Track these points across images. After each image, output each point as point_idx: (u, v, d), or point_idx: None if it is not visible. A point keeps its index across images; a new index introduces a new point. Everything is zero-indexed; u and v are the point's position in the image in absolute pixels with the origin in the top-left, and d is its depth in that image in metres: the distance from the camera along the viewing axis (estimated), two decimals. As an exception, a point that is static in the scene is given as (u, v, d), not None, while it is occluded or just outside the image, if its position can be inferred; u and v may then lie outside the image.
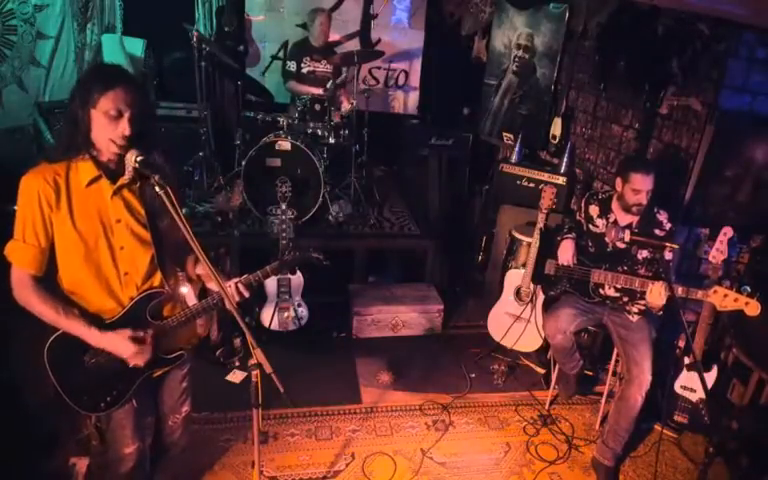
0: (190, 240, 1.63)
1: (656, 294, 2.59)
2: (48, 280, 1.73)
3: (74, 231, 1.68)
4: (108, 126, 1.63)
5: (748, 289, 2.42)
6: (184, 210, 1.68)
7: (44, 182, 1.64)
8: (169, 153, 1.84)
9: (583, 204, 3.06)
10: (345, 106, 4.63)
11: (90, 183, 1.69)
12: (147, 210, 1.79)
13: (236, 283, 1.95)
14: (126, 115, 1.63)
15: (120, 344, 1.75)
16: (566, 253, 2.96)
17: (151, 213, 1.80)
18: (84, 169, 1.69)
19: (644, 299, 2.86)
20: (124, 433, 1.94)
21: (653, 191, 2.73)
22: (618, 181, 2.83)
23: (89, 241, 1.71)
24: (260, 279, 2.05)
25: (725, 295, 2.44)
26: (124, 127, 1.63)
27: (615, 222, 2.87)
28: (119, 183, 1.73)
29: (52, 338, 1.73)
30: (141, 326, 1.81)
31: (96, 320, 1.75)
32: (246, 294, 1.96)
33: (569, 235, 3.03)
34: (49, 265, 1.72)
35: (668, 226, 2.82)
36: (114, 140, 1.64)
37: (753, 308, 2.39)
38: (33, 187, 1.64)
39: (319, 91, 4.51)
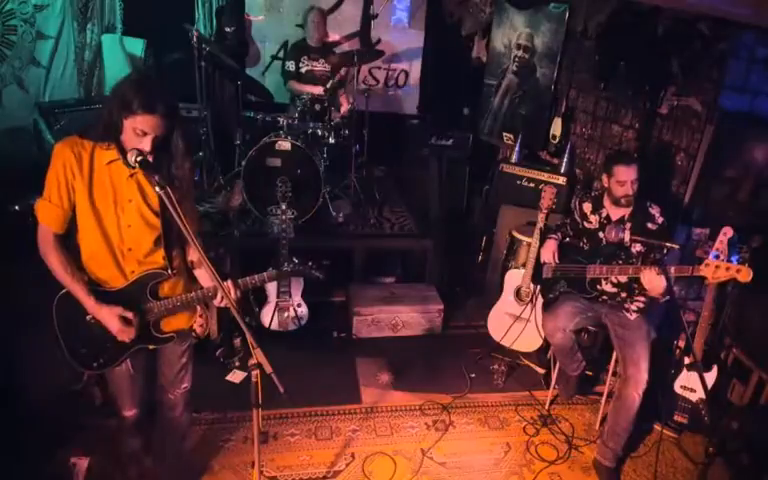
0: (188, 236, 1.73)
1: (651, 279, 2.59)
2: (68, 241, 1.91)
3: (89, 202, 1.85)
4: (134, 138, 1.78)
5: (738, 258, 2.42)
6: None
7: (70, 152, 1.82)
8: (189, 148, 1.96)
9: (577, 203, 3.11)
10: (344, 107, 4.63)
11: (110, 162, 1.86)
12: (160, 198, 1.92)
13: (230, 282, 2.03)
14: (150, 136, 1.78)
15: (109, 319, 1.91)
16: (547, 252, 3.07)
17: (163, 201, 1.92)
18: (109, 153, 1.85)
19: (642, 295, 2.87)
20: (123, 396, 2.16)
21: (639, 181, 2.78)
22: (604, 178, 2.90)
23: (101, 214, 1.88)
24: (256, 284, 2.16)
25: (717, 266, 2.43)
26: (146, 144, 1.79)
27: (619, 221, 2.89)
28: (132, 171, 1.87)
29: (62, 293, 1.91)
30: (140, 300, 1.97)
31: (98, 289, 1.92)
32: (234, 292, 2.03)
33: (553, 235, 3.13)
34: (72, 229, 1.90)
35: (660, 220, 2.85)
36: (136, 147, 1.79)
37: (745, 274, 2.37)
38: (61, 155, 1.82)
39: (319, 90, 4.51)
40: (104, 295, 1.92)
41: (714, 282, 2.51)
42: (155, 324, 2.05)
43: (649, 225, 2.83)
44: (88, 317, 1.94)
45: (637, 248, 2.87)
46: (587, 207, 3.04)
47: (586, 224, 3.04)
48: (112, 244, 1.91)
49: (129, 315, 1.93)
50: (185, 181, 1.93)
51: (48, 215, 1.85)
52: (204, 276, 2.11)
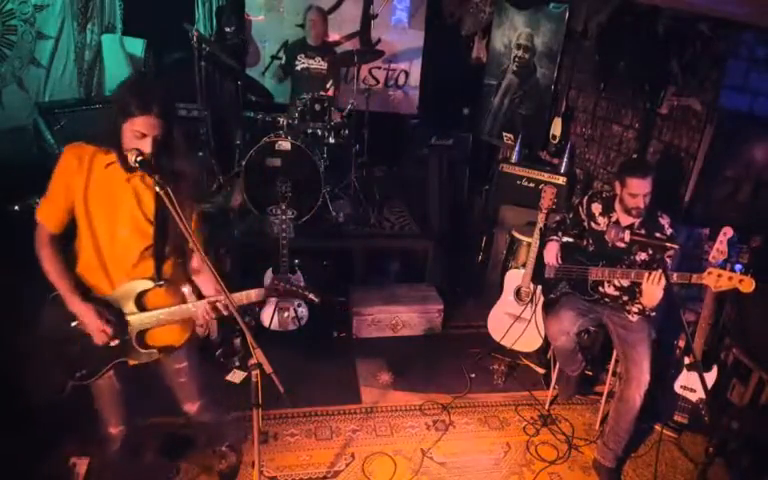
0: (190, 238, 1.73)
1: (652, 289, 2.57)
2: (63, 244, 1.91)
3: (83, 205, 1.85)
4: (133, 140, 1.78)
5: (741, 267, 2.41)
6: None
7: (72, 156, 1.84)
8: (189, 151, 1.96)
9: (585, 202, 3.06)
10: (330, 93, 4.55)
11: (108, 165, 1.85)
12: (158, 206, 1.89)
13: (207, 302, 1.95)
14: (149, 138, 1.78)
15: (87, 315, 1.87)
16: (550, 254, 3.04)
17: (160, 209, 1.88)
18: (107, 157, 1.85)
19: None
20: (108, 411, 2.09)
21: (652, 193, 2.72)
22: (616, 185, 2.83)
23: (93, 217, 1.87)
24: (244, 302, 2.00)
25: (719, 275, 2.43)
26: (146, 146, 1.78)
27: (617, 222, 2.87)
28: (129, 175, 1.87)
29: (52, 295, 1.90)
30: (124, 310, 1.94)
31: (85, 291, 1.90)
32: (212, 315, 1.95)
33: (554, 236, 3.11)
34: (72, 235, 1.91)
35: (669, 231, 2.81)
36: (135, 148, 1.78)
37: (747, 285, 2.38)
38: (64, 157, 1.85)
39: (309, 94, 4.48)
40: (91, 300, 1.90)
41: (716, 290, 2.49)
42: (138, 337, 1.98)
43: (658, 235, 2.79)
44: (73, 324, 1.91)
45: (642, 257, 2.85)
46: (596, 208, 2.99)
47: (593, 225, 3.00)
48: (102, 250, 1.90)
49: (107, 314, 1.89)
50: (189, 180, 1.91)
51: (45, 212, 1.88)
52: (206, 283, 2.03)
